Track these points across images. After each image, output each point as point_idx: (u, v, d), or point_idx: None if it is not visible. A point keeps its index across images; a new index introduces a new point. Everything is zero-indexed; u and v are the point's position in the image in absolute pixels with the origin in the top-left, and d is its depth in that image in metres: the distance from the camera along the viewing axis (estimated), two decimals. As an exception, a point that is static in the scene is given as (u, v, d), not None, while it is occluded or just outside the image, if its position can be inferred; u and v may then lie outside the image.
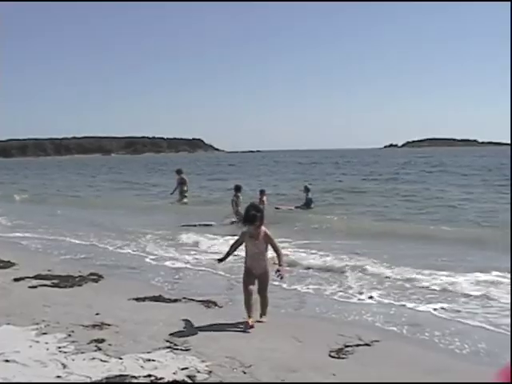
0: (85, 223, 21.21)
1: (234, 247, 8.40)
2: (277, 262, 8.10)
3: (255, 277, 8.18)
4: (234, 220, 20.65)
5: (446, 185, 37.51)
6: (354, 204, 27.14)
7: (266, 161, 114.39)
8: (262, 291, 8.28)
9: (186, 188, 27.88)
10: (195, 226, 19.93)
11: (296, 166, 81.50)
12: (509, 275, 10.69)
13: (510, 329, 8.00)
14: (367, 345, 7.22)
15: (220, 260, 8.54)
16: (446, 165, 70.05)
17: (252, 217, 8.01)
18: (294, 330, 7.76)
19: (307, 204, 24.11)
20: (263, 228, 8.12)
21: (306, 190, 24.75)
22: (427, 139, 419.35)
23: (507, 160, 69.87)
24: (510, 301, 9.42)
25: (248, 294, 8.09)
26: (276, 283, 9.42)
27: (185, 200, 27.34)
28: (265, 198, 22.23)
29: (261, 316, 8.29)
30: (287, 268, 8.54)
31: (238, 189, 21.84)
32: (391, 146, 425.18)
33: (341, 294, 10.10)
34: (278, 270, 7.92)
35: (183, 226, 19.99)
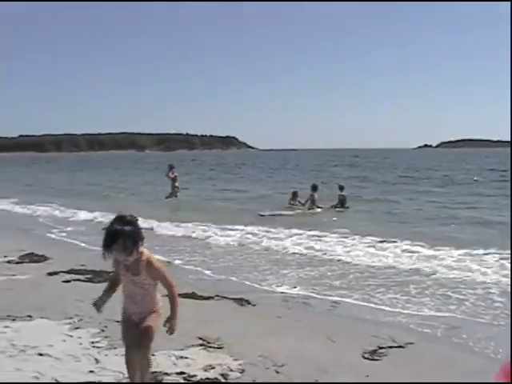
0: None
1: (110, 286, 5.41)
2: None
3: (134, 325, 5.23)
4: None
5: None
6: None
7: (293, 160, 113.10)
8: (141, 347, 5.18)
9: (177, 184, 28.34)
10: (274, 215, 21.69)
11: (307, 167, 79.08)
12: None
13: (510, 327, 7.89)
14: (401, 347, 7.12)
15: (95, 305, 5.34)
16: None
17: (114, 235, 4.79)
18: (327, 330, 7.69)
19: (342, 202, 23.87)
20: (146, 253, 5.03)
21: (340, 188, 24.50)
22: (462, 140, 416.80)
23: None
24: (510, 299, 9.36)
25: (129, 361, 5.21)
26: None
27: (177, 194, 28.04)
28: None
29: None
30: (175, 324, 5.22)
31: (314, 188, 23.80)
32: (425, 146, 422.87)
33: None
34: (168, 322, 5.19)
35: (261, 215, 21.65)
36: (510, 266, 11.50)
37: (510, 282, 10.29)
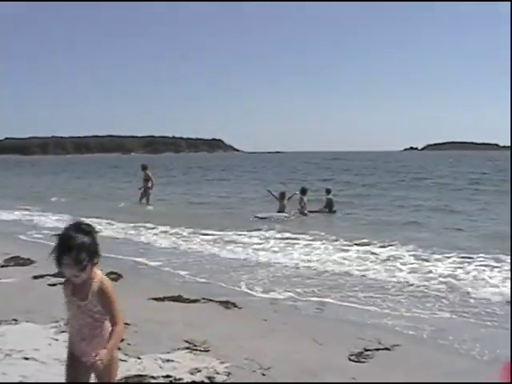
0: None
1: None
2: None
3: (86, 368, 4.29)
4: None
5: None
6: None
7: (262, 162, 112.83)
8: None
9: (150, 185, 27.65)
10: (269, 218, 21.49)
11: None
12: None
13: (510, 327, 7.94)
14: (387, 349, 7.14)
15: None
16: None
17: (67, 244, 3.96)
18: (314, 332, 7.70)
19: (329, 206, 23.81)
20: (99, 274, 4.22)
21: (327, 191, 24.45)
22: (447, 142, 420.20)
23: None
24: (510, 298, 9.42)
25: None
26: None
27: (148, 206, 26.95)
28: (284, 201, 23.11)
29: None
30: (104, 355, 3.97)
31: (303, 191, 23.66)
32: (411, 148, 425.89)
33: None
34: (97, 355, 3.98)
35: (256, 217, 21.53)
36: (510, 266, 11.57)
37: (510, 283, 10.34)
